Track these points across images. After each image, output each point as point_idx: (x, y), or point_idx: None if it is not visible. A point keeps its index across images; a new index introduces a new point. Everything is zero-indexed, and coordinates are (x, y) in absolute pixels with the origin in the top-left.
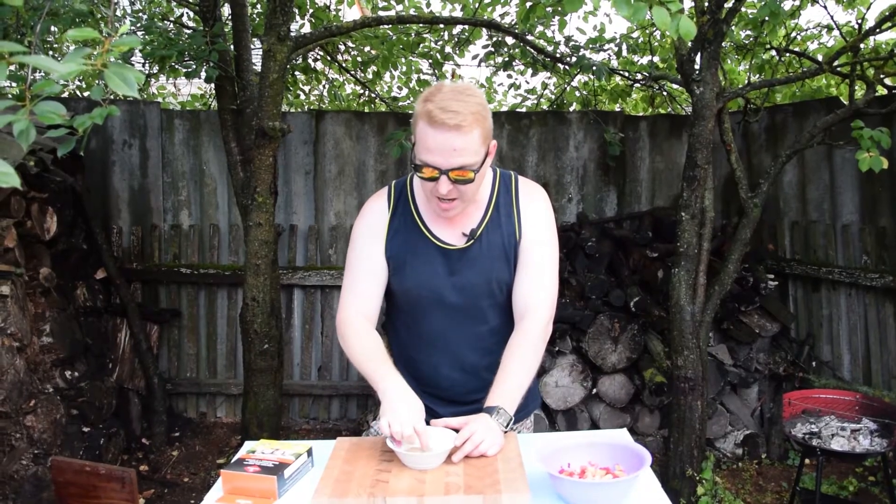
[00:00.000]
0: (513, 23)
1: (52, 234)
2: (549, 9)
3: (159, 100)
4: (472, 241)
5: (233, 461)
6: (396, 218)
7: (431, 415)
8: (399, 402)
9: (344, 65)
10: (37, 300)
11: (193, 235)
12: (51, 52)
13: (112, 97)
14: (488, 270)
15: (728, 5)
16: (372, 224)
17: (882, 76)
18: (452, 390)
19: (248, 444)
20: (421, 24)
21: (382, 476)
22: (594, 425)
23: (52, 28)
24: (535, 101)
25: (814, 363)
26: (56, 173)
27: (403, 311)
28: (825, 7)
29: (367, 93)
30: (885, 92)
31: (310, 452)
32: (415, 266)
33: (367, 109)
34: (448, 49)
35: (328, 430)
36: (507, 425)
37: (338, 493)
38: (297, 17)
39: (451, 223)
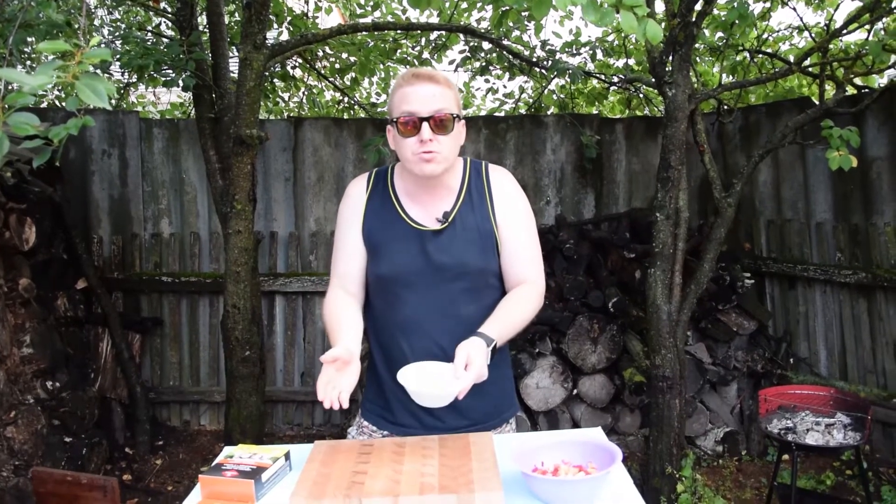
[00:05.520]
0: (489, 28)
1: (31, 244)
2: (523, 13)
3: (138, 109)
4: (446, 224)
5: (211, 466)
6: (374, 198)
7: (403, 426)
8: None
9: (322, 72)
10: (16, 311)
11: (174, 244)
12: (28, 63)
13: (91, 107)
14: (462, 253)
15: (698, 7)
16: (350, 206)
17: (851, 76)
18: None
19: (227, 450)
20: (398, 31)
21: (358, 478)
22: (575, 425)
23: (30, 38)
24: (513, 105)
25: (791, 360)
26: (34, 184)
27: (378, 295)
28: (794, 9)
29: (346, 99)
30: (854, 91)
31: (287, 456)
32: (390, 248)
33: (346, 116)
34: (425, 55)
35: (312, 435)
36: (491, 348)
37: (314, 495)
38: (275, 25)
39: (426, 207)
